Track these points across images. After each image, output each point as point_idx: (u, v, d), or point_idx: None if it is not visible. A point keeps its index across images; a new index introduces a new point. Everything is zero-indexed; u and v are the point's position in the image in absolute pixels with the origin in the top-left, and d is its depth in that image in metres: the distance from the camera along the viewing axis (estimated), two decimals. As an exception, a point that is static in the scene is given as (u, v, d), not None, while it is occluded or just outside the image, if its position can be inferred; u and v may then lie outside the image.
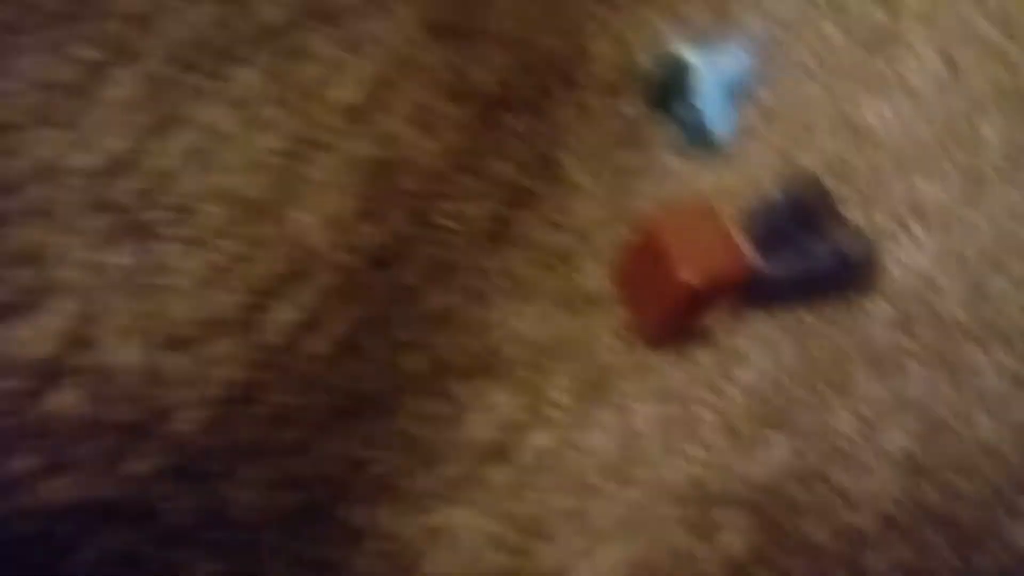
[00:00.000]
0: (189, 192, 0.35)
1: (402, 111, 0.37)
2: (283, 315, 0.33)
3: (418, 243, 0.34)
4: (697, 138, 0.39)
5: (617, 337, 0.33)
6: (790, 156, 0.39)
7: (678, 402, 0.32)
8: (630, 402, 0.32)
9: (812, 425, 0.34)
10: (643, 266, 0.32)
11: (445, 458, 0.30)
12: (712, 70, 0.38)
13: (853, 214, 0.38)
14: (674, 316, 0.32)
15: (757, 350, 0.34)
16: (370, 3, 0.39)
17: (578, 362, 0.33)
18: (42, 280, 0.33)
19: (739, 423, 0.33)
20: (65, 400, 0.31)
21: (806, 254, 0.36)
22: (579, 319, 0.34)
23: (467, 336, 0.33)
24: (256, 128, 0.36)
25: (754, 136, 0.39)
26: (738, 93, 0.39)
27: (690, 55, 0.38)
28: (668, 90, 0.38)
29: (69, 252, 0.33)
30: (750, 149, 0.38)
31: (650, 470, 0.31)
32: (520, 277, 0.34)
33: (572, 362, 0.33)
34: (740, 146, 0.38)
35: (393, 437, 0.30)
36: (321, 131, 0.36)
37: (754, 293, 0.34)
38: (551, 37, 0.38)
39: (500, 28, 0.39)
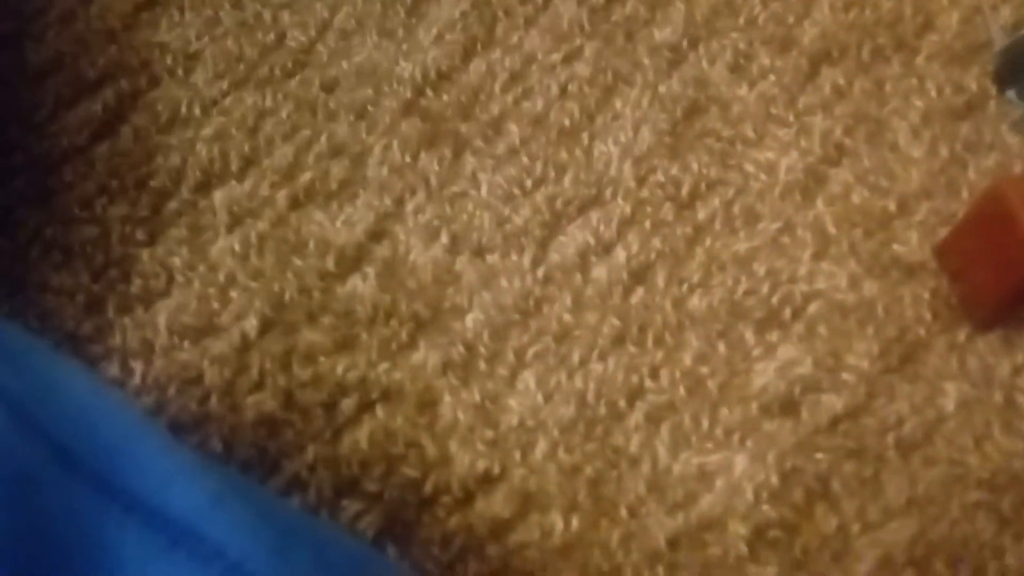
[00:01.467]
0: (499, 111, 0.36)
1: (720, 55, 0.36)
2: (577, 238, 0.32)
3: (722, 186, 0.33)
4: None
5: (932, 312, 0.30)
6: None
7: (999, 389, 0.29)
8: (941, 381, 0.29)
9: None
10: (983, 238, 0.28)
11: (728, 402, 0.29)
12: None
13: None
14: (1016, 292, 0.28)
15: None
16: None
17: (885, 332, 0.30)
18: (358, 175, 0.35)
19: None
20: (364, 286, 0.33)
21: None
22: (892, 288, 0.31)
23: (765, 285, 0.31)
24: (566, 57, 0.37)
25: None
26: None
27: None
28: (1019, 68, 0.35)
29: (385, 152, 0.35)
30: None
31: (956, 452, 0.28)
32: (830, 236, 0.32)
33: (878, 330, 0.30)
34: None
35: (675, 371, 0.29)
36: (634, 66, 0.36)
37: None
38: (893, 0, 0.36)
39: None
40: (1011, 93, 0.36)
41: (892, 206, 0.32)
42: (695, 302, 0.31)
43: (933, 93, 0.35)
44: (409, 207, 0.34)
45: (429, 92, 0.36)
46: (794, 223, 0.32)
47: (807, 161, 0.33)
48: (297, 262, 0.33)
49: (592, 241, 0.32)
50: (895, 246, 0.31)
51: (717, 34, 0.36)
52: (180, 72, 0.37)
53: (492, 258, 0.32)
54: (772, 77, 0.35)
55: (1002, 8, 0.36)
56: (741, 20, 0.36)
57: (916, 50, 0.35)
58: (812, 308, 0.30)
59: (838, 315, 0.30)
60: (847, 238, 0.32)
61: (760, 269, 0.31)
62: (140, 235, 0.34)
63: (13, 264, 0.34)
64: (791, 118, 0.34)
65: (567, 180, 0.34)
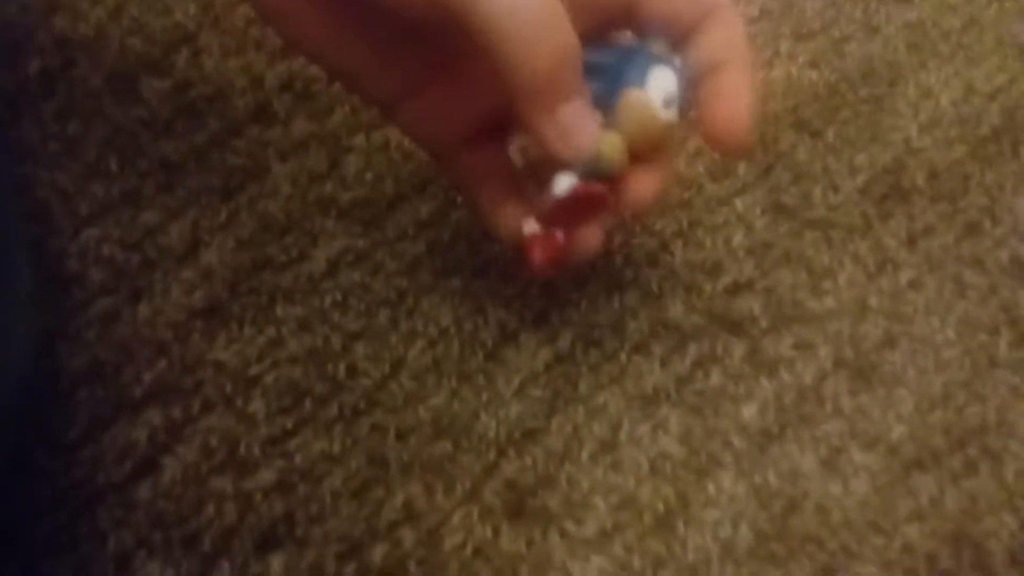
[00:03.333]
0: (587, 485, 0.34)
1: (812, 448, 0.35)
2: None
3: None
4: None
5: None
6: None
7: None
8: None
9: None
10: None
11: None
12: None
13: None
14: None
15: None
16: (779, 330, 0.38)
17: None
18: (436, 550, 0.32)
19: None
20: None
21: None
22: None
23: None
24: (655, 428, 0.35)
25: None
26: None
27: None
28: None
29: (464, 521, 0.32)
30: None
31: None
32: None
33: None
34: None
35: None
36: (724, 447, 0.35)
37: None
38: (975, 405, 0.36)
39: (916, 380, 0.37)
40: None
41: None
42: None
43: None
44: (494, 599, 0.31)
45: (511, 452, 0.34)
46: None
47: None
48: (368, 664, 0.29)
49: (697, 661, 0.30)
50: None
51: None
52: (238, 401, 0.34)
53: (586, 671, 0.29)
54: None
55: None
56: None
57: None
58: None
59: None
60: None
61: None
62: (185, 611, 0.29)
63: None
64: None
65: (663, 578, 0.32)
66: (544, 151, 0.30)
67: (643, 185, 0.33)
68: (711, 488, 0.34)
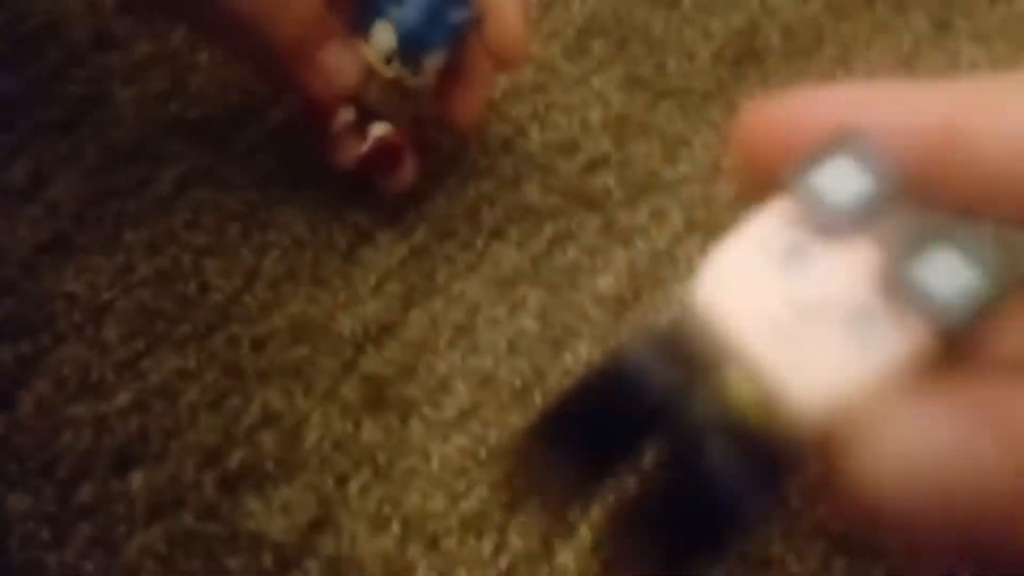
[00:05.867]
0: (445, 369, 0.34)
1: (664, 308, 0.36)
2: (540, 519, 0.31)
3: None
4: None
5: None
6: None
7: None
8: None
9: None
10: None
11: None
12: None
13: None
14: None
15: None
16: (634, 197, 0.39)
17: None
18: (295, 449, 0.32)
19: None
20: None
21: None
22: None
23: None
24: (514, 308, 0.36)
25: None
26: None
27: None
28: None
29: (323, 419, 0.33)
30: None
31: None
32: (793, 506, 0.31)
33: None
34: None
35: None
36: (580, 319, 0.35)
37: None
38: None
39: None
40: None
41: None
42: None
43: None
44: (354, 488, 0.31)
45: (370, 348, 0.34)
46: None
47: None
48: (230, 562, 0.29)
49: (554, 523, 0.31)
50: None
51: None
52: (89, 329, 0.34)
53: (448, 544, 0.30)
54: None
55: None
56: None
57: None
58: None
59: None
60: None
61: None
62: (46, 535, 0.29)
63: None
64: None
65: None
66: (314, 94, 0.34)
67: (455, 107, 0.37)
68: (568, 358, 0.34)
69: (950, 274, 0.15)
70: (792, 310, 0.16)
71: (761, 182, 0.17)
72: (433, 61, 0.34)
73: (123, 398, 0.33)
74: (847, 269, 0.16)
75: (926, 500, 0.14)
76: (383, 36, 0.33)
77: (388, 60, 0.34)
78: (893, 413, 0.14)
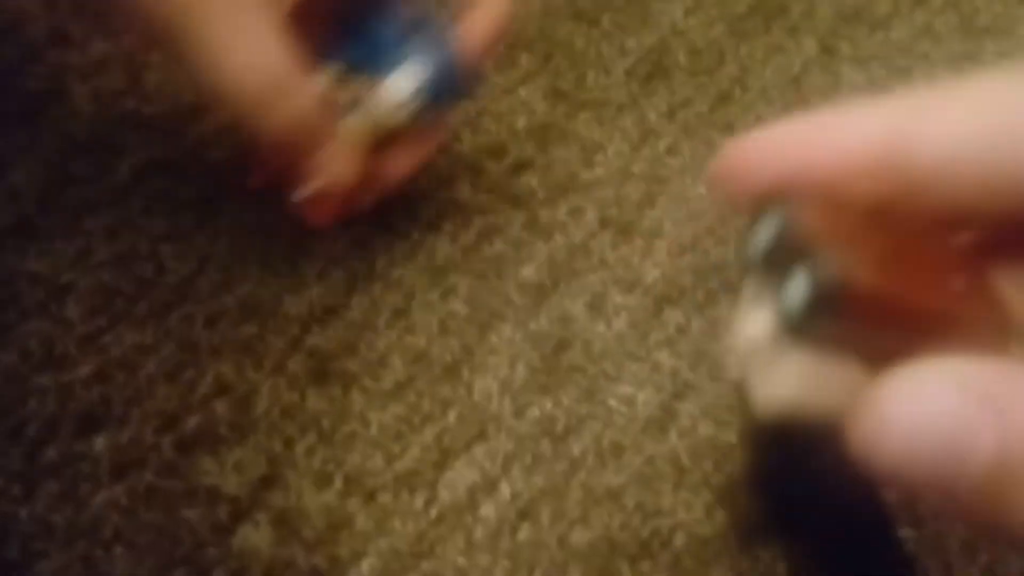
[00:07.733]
0: (384, 346, 0.38)
1: (580, 296, 0.40)
2: (466, 476, 0.35)
3: (589, 420, 0.36)
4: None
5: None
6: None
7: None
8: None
9: None
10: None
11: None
12: None
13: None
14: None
15: None
16: (557, 194, 0.43)
17: (740, 564, 0.34)
18: (246, 415, 0.36)
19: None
20: (257, 536, 0.33)
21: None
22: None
23: (634, 519, 0.34)
24: (445, 293, 0.40)
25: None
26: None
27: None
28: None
29: (272, 390, 0.36)
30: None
31: None
32: (686, 467, 0.36)
33: (733, 561, 0.34)
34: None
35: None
36: (505, 304, 0.40)
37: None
38: (721, 247, 0.42)
39: (671, 231, 0.42)
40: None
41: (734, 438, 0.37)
42: (577, 538, 0.34)
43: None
44: (300, 449, 0.35)
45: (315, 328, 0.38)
46: (654, 456, 0.36)
47: (659, 397, 0.38)
48: (188, 513, 0.33)
49: (479, 478, 0.35)
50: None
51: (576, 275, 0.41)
52: (53, 306, 0.37)
53: (385, 499, 0.34)
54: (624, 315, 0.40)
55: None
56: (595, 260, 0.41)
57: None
58: (677, 539, 0.34)
59: (698, 545, 0.34)
60: (700, 468, 0.36)
61: (630, 502, 0.35)
62: (16, 491, 0.32)
63: None
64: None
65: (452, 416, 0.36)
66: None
67: (396, 165, 0.38)
68: (493, 338, 0.38)
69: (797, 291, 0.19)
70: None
71: (742, 203, 0.20)
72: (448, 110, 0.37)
73: (85, 369, 0.36)
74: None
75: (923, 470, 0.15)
76: (402, 80, 0.35)
77: (398, 109, 0.35)
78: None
